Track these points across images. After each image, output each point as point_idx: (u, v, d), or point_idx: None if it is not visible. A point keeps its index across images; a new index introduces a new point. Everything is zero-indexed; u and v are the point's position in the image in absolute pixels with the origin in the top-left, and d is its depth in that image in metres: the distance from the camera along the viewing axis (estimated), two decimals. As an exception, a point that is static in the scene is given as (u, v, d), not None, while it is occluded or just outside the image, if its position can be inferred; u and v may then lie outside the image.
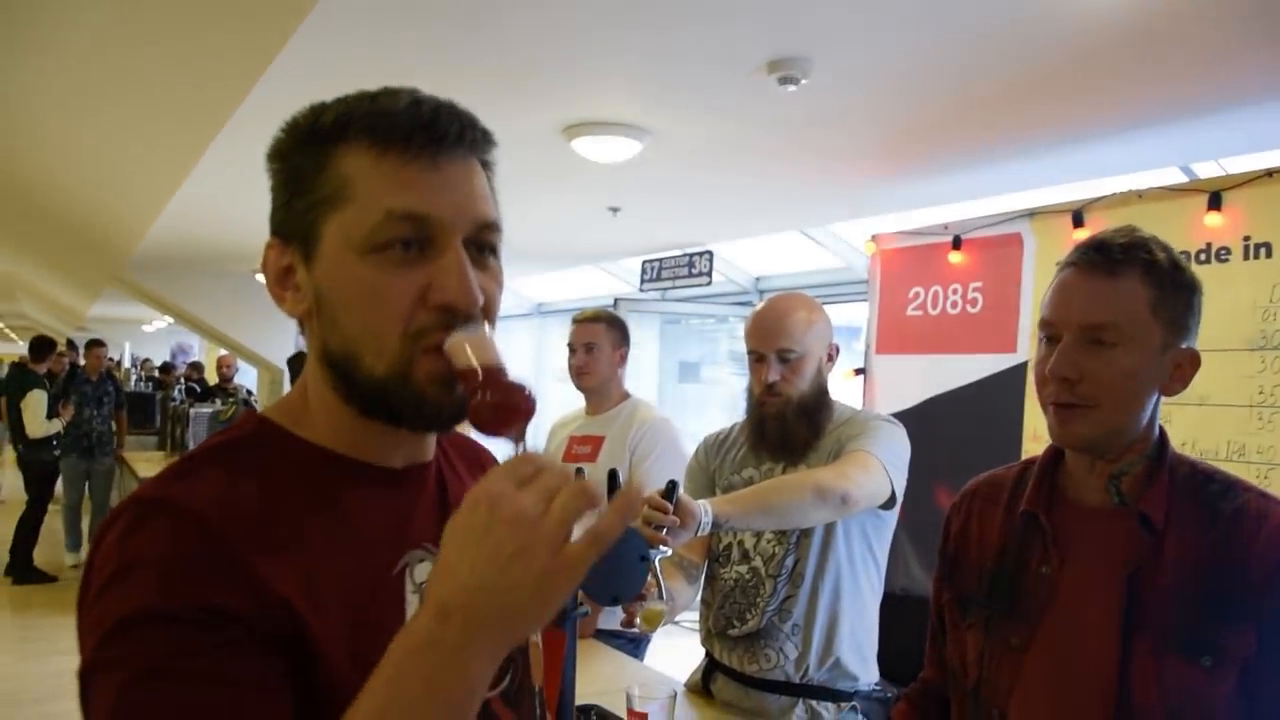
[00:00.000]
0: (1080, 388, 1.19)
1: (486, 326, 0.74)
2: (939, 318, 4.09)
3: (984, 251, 3.91)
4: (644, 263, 6.59)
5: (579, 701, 1.66)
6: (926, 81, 2.94)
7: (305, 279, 0.77)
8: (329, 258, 0.74)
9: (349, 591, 0.72)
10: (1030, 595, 1.26)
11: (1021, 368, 3.66)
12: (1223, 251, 3.06)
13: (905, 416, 2.27)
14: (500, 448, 0.76)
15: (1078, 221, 3.45)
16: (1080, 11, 2.35)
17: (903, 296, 4.25)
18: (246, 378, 10.87)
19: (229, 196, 4.88)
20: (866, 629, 2.03)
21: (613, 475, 1.86)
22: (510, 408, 0.68)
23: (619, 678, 2.09)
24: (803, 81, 2.85)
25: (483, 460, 0.97)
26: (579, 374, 2.94)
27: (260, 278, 0.99)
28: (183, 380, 10.66)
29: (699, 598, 2.21)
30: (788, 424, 2.02)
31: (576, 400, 3.08)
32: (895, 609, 2.14)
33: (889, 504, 1.97)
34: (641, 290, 6.74)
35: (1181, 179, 3.67)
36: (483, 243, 0.76)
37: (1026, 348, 3.67)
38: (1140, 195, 3.33)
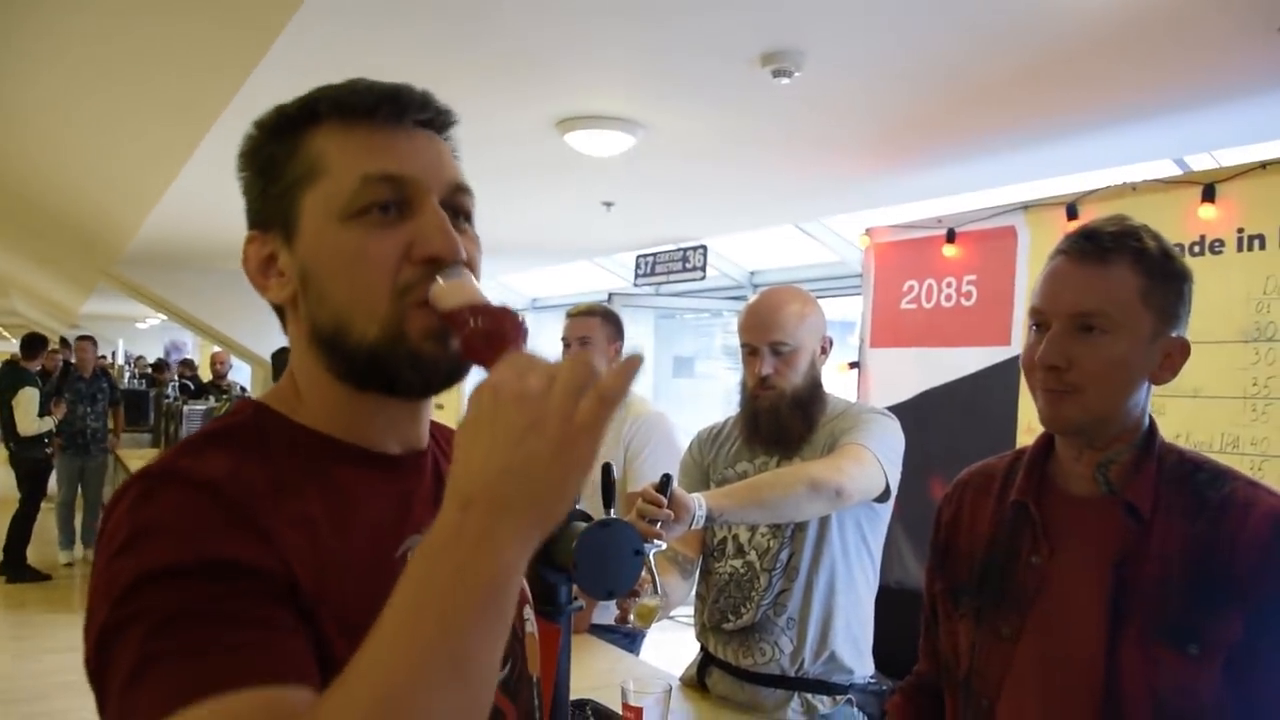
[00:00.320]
0: (1069, 375, 1.19)
1: (468, 272, 0.75)
2: (933, 311, 4.09)
3: (978, 245, 3.91)
4: (638, 257, 6.58)
5: (574, 697, 1.65)
6: (920, 74, 2.94)
7: (288, 261, 0.77)
8: (310, 232, 0.75)
9: (351, 568, 0.72)
10: (1020, 585, 1.26)
11: (1016, 361, 3.66)
12: (1216, 243, 3.07)
13: (900, 410, 2.27)
14: None
15: (1072, 214, 3.46)
16: (1073, 4, 2.35)
17: (897, 290, 4.25)
18: (240, 375, 10.86)
19: (221, 192, 4.80)
20: (861, 622, 2.03)
21: (606, 469, 1.85)
22: (501, 333, 0.68)
23: (614, 672, 2.09)
24: (796, 74, 2.84)
25: None
26: (573, 369, 2.93)
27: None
28: (176, 377, 10.65)
29: (694, 592, 2.21)
30: (781, 417, 2.02)
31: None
32: (890, 602, 2.15)
33: (883, 497, 1.96)
34: (636, 285, 6.74)
35: (1175, 171, 3.68)
36: (457, 207, 0.78)
37: (1021, 341, 3.64)
38: (1134, 187, 3.34)
